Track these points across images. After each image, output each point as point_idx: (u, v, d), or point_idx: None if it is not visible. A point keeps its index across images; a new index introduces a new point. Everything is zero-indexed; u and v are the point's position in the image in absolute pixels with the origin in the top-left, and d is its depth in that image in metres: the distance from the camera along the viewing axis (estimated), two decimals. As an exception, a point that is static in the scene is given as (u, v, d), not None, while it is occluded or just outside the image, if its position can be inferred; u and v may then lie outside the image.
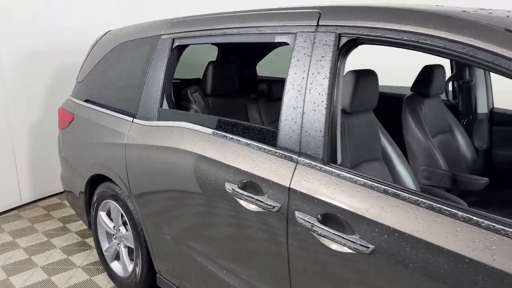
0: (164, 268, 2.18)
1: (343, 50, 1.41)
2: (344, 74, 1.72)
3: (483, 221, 1.03)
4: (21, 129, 3.77)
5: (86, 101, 2.74)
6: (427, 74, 2.34)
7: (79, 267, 2.85)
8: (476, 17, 1.18)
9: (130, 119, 2.26)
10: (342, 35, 1.40)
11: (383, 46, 1.37)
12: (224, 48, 3.38)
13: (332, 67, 1.40)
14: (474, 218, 1.04)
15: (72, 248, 3.10)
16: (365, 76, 1.74)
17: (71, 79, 3.29)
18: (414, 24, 1.24)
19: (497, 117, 2.64)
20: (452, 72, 2.59)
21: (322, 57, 1.43)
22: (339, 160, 1.42)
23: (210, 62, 2.50)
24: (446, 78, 2.50)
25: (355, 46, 1.40)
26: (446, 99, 2.60)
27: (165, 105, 2.09)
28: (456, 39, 1.14)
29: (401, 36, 1.25)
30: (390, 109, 2.48)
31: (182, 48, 2.12)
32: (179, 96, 2.51)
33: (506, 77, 1.07)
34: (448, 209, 1.09)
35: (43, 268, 2.83)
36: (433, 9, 1.27)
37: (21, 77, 3.67)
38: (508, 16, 1.23)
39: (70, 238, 3.25)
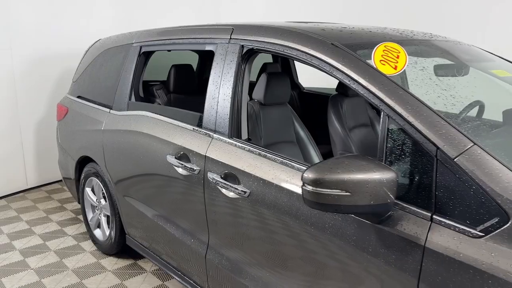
0: (130, 229, 2.73)
1: (244, 57, 1.94)
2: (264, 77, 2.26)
3: (300, 166, 1.55)
4: (29, 123, 4.37)
5: (78, 97, 3.32)
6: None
7: (70, 235, 3.41)
8: (321, 33, 1.71)
9: (108, 110, 2.82)
10: (244, 46, 1.94)
11: (270, 54, 1.89)
12: (202, 54, 3.96)
13: (236, 69, 1.94)
14: (296, 165, 1.57)
15: (66, 222, 3.67)
16: (276, 77, 2.27)
17: (71, 80, 3.88)
18: (282, 39, 1.77)
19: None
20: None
21: (231, 61, 1.97)
22: (243, 136, 1.95)
23: (173, 65, 3.06)
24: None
25: (252, 54, 1.94)
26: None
27: (133, 99, 2.65)
28: (300, 49, 1.67)
29: (274, 47, 1.79)
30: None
31: (148, 53, 2.69)
32: (148, 92, 3.07)
33: (334, 77, 1.58)
34: (291, 163, 1.62)
35: (40, 236, 3.40)
36: (295, 26, 1.80)
37: (29, 78, 4.28)
38: (341, 31, 1.76)
39: (65, 215, 3.83)
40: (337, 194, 1.21)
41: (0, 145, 4.16)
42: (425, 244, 1.21)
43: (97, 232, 3.17)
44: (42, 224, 3.63)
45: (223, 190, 1.85)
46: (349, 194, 1.20)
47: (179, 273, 2.33)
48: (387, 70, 1.52)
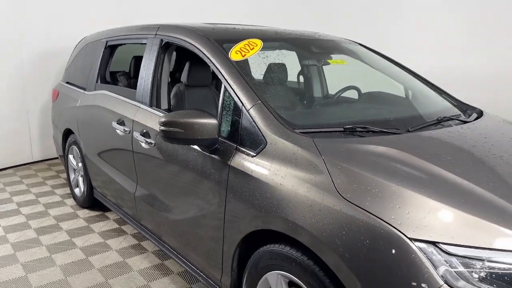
0: (95, 183, 3.50)
1: (163, 48, 2.67)
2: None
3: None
4: (34, 106, 5.23)
5: (67, 82, 4.12)
6: (272, 69, 3.53)
7: (58, 194, 4.22)
8: (206, 31, 2.41)
9: (83, 91, 3.61)
10: (163, 40, 2.66)
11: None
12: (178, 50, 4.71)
13: (157, 56, 2.67)
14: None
15: (58, 185, 4.49)
16: (197, 63, 2.97)
17: (65, 69, 4.70)
18: (181, 34, 2.48)
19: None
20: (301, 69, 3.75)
21: (154, 51, 2.70)
22: (163, 107, 2.67)
23: (133, 57, 3.82)
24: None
25: (169, 46, 2.66)
26: (300, 87, 3.77)
27: (99, 82, 3.43)
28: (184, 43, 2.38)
29: (178, 41, 2.50)
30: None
31: (112, 46, 3.45)
32: (114, 78, 3.83)
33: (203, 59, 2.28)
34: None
35: (35, 194, 4.22)
36: (194, 26, 2.51)
37: (36, 68, 5.14)
38: (214, 29, 2.46)
39: (58, 181, 4.65)
40: (176, 131, 1.91)
41: (9, 124, 5.04)
42: (230, 163, 1.90)
43: (76, 190, 3.96)
44: (38, 186, 4.46)
45: (142, 143, 2.58)
46: (183, 131, 1.91)
47: (122, 211, 3.08)
48: (236, 57, 2.21)
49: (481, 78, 4.99)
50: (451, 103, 2.62)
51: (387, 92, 2.78)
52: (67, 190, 4.32)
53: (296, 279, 1.64)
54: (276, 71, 2.61)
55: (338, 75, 3.18)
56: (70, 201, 4.04)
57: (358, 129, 1.87)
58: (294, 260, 1.62)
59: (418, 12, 5.46)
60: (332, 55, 2.88)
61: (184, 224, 2.29)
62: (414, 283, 1.27)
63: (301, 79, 3.29)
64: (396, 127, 1.94)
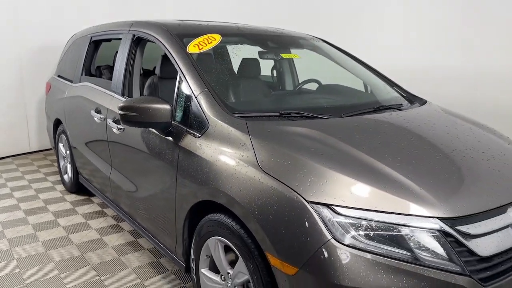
0: (80, 169, 3.77)
1: (135, 42, 2.92)
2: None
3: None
4: (32, 99, 5.53)
5: (59, 76, 4.40)
6: (247, 63, 3.76)
7: (50, 181, 4.51)
8: (170, 26, 2.66)
9: (70, 83, 3.88)
10: (135, 34, 2.92)
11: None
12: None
13: (129, 49, 2.92)
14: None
15: (51, 173, 4.78)
16: (165, 59, 3.21)
17: (59, 64, 4.98)
18: (148, 29, 2.73)
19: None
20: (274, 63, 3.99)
21: (127, 44, 2.95)
22: (135, 95, 2.92)
23: (116, 51, 4.07)
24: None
25: (140, 41, 2.91)
26: (272, 81, 4.00)
27: (84, 74, 3.70)
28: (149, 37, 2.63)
29: (146, 36, 2.75)
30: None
31: (96, 42, 3.71)
32: (99, 71, 4.10)
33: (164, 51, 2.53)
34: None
35: (28, 180, 4.51)
36: (161, 22, 2.76)
37: (33, 63, 5.43)
38: (179, 25, 2.71)
39: (52, 169, 4.94)
40: (133, 115, 2.16)
41: (8, 116, 5.34)
42: (180, 144, 2.15)
43: (65, 177, 4.24)
44: (32, 174, 4.75)
45: (113, 129, 2.84)
46: (138, 115, 2.16)
47: (101, 193, 3.35)
48: (194, 49, 2.45)
49: (455, 76, 5.18)
50: (400, 94, 2.84)
51: (343, 85, 3.00)
52: (58, 177, 4.60)
53: (228, 241, 1.88)
54: (229, 63, 2.85)
55: (306, 69, 3.41)
56: (60, 187, 4.32)
57: (293, 115, 2.10)
58: (227, 226, 1.86)
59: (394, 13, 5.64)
60: (293, 50, 3.11)
61: (147, 201, 2.54)
62: (309, 238, 1.51)
63: (273, 73, 3.54)
64: (329, 113, 2.17)
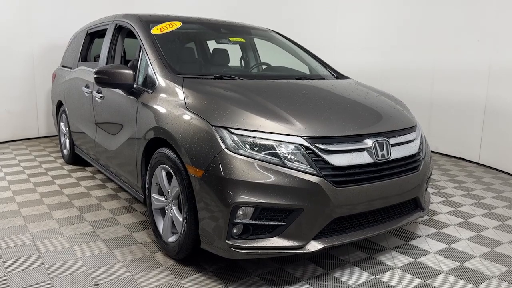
0: (75, 141, 4.48)
1: (117, 30, 3.62)
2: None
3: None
4: (42, 90, 6.30)
5: (63, 66, 5.15)
6: (217, 54, 4.44)
7: (53, 157, 5.22)
8: (142, 16, 3.35)
9: (70, 69, 4.61)
10: (117, 24, 3.62)
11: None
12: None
13: (111, 37, 3.62)
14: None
15: (54, 152, 5.50)
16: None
17: (64, 58, 5.74)
18: (126, 19, 3.43)
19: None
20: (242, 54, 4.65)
21: (110, 32, 3.66)
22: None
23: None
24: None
25: (121, 29, 3.61)
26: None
27: (80, 61, 4.42)
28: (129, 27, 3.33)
29: (124, 24, 3.45)
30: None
31: (91, 34, 4.44)
32: (95, 59, 4.81)
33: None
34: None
35: (35, 156, 5.23)
36: (138, 14, 3.46)
37: (44, 58, 6.21)
38: (150, 15, 3.40)
39: (56, 149, 5.66)
40: (103, 77, 2.84)
41: (20, 105, 6.12)
42: (139, 100, 2.81)
43: (65, 151, 4.95)
44: (38, 152, 5.48)
45: (97, 98, 3.53)
46: (107, 77, 2.83)
47: (87, 155, 4.03)
48: (156, 31, 3.13)
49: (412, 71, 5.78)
50: (330, 73, 3.47)
51: (287, 67, 3.64)
52: (60, 155, 5.32)
53: (167, 166, 2.52)
54: (184, 41, 3.54)
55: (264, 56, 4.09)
56: (61, 161, 5.03)
57: (224, 77, 2.75)
58: (167, 155, 2.50)
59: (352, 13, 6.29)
60: (246, 38, 3.78)
61: (118, 151, 3.21)
62: (211, 149, 2.14)
63: (241, 62, 4.21)
64: (254, 78, 2.82)
